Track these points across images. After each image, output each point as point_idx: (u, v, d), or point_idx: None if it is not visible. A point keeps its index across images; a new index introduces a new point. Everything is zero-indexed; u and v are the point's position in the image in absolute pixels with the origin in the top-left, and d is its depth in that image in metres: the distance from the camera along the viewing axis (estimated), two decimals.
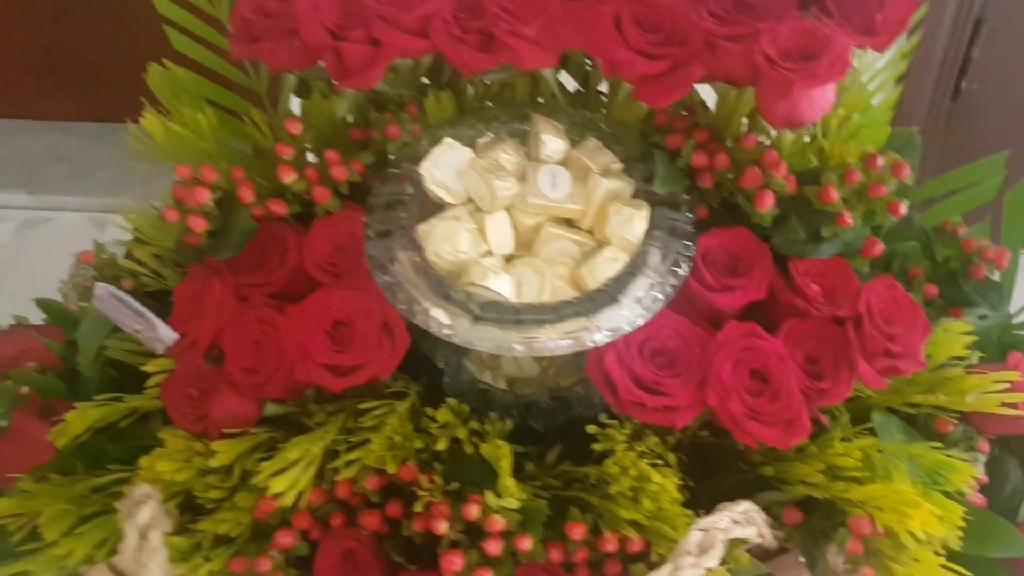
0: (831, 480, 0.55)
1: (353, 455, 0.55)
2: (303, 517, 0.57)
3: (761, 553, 0.56)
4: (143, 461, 0.58)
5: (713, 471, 0.58)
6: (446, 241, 0.54)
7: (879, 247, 0.58)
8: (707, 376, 0.54)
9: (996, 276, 0.66)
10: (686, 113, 0.60)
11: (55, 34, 1.52)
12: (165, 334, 0.63)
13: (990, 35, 1.37)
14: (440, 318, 0.52)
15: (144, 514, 0.50)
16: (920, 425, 0.63)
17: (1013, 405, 0.60)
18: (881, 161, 0.56)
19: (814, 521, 0.56)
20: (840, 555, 0.56)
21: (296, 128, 0.61)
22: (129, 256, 0.70)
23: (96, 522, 0.65)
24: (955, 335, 0.59)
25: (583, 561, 0.54)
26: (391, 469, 0.54)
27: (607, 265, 0.53)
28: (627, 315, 0.52)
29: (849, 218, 0.56)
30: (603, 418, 0.55)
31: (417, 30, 0.56)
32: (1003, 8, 1.36)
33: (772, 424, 0.53)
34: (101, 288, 0.62)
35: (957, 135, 1.48)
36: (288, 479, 0.54)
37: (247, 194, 0.61)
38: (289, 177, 0.60)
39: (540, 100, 0.64)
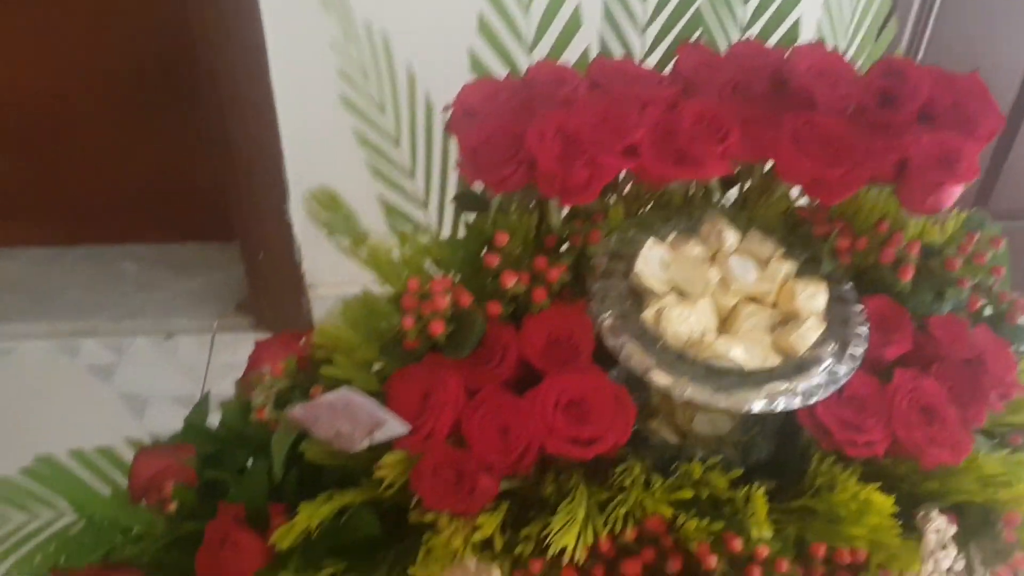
0: (982, 487, 0.70)
1: (621, 510, 0.65)
2: (569, 572, 0.65)
3: None
4: (443, 541, 0.64)
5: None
6: (681, 323, 0.65)
7: (980, 302, 0.75)
8: (892, 415, 0.67)
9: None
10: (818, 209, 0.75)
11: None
12: (397, 428, 0.69)
13: None
14: (690, 387, 0.63)
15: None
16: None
17: None
18: (978, 236, 0.73)
19: (966, 524, 0.71)
20: (985, 550, 0.71)
21: (504, 239, 0.71)
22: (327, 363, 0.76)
23: None
24: None
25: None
26: (667, 513, 0.64)
27: (811, 332, 0.66)
28: (840, 372, 0.65)
29: (968, 281, 0.72)
30: (820, 457, 0.67)
31: (626, 153, 0.68)
32: None
33: (944, 447, 0.67)
34: (344, 392, 0.68)
35: None
36: (573, 534, 0.63)
37: (467, 299, 0.70)
38: (511, 281, 0.69)
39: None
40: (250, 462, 0.88)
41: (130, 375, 1.41)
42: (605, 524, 0.65)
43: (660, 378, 0.64)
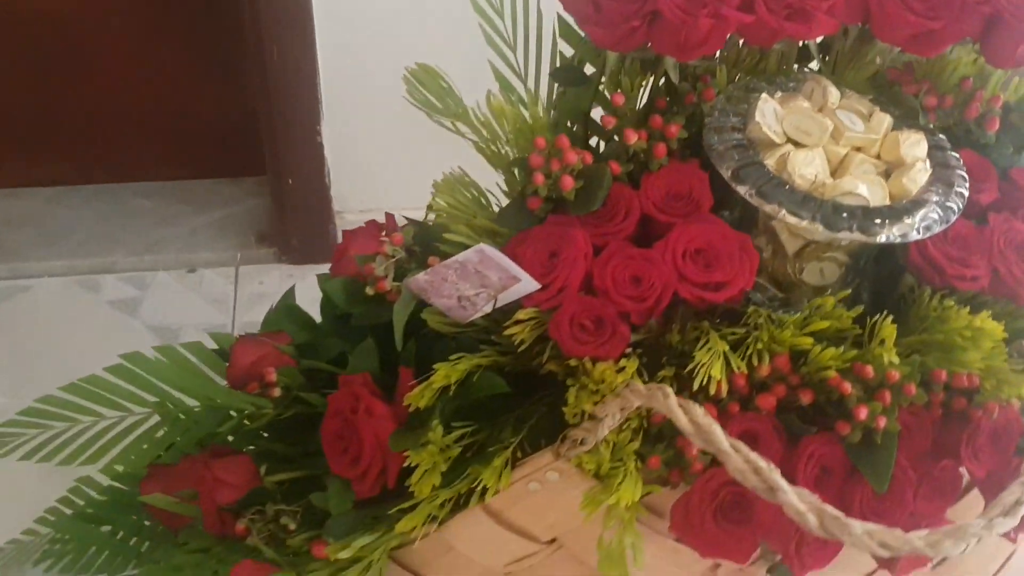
0: None
1: (758, 346, 0.68)
2: (710, 409, 0.68)
3: None
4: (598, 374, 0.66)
5: None
6: (807, 166, 0.69)
7: None
8: (992, 251, 0.72)
9: None
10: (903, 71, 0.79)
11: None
12: (528, 285, 0.71)
13: None
14: (821, 225, 0.67)
15: (672, 392, 0.60)
16: None
17: None
18: None
19: None
20: None
21: (621, 100, 0.74)
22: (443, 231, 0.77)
23: (456, 475, 0.73)
24: None
25: (939, 402, 0.70)
26: (807, 343, 0.67)
27: (921, 175, 0.71)
28: (953, 207, 0.70)
29: None
30: (931, 293, 0.72)
31: (743, 7, 0.71)
32: None
33: None
34: (481, 248, 0.70)
35: None
36: (717, 367, 0.66)
37: (589, 156, 0.72)
38: (634, 138, 0.72)
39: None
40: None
41: (156, 308, 1.40)
42: (743, 360, 0.68)
43: (792, 218, 0.68)
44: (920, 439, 0.70)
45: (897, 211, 0.68)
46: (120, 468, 0.86)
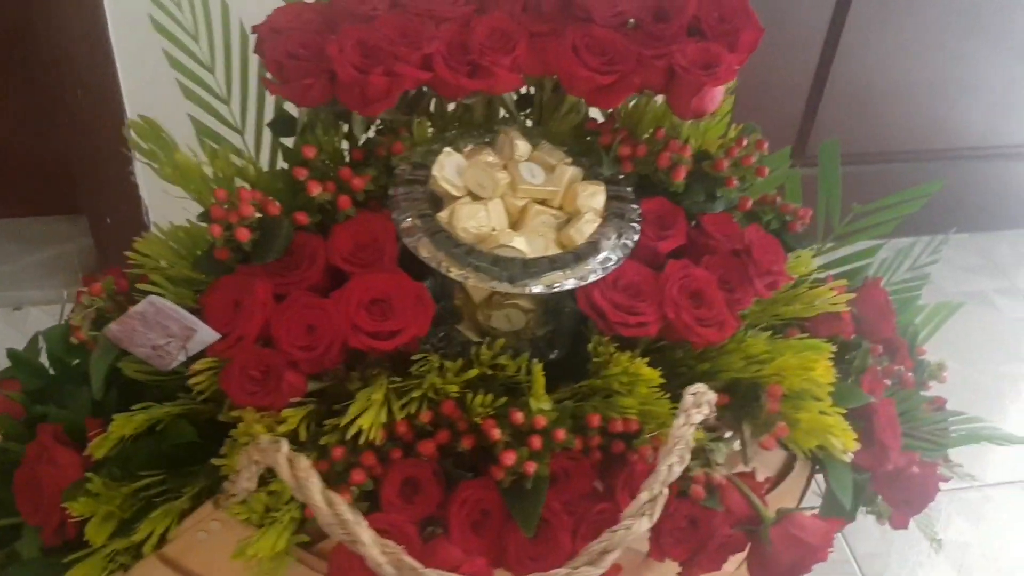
0: (747, 365, 0.77)
1: (415, 394, 0.70)
2: (369, 456, 0.70)
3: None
4: (244, 427, 0.67)
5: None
6: (471, 219, 0.71)
7: (749, 202, 0.83)
8: (663, 299, 0.74)
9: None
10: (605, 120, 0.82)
11: None
12: (208, 335, 0.73)
13: None
14: (475, 275, 0.69)
15: (285, 447, 0.61)
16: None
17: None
18: (745, 141, 0.81)
19: (736, 400, 0.78)
20: (753, 424, 0.78)
21: (312, 152, 0.76)
22: (142, 280, 0.79)
23: (138, 523, 0.73)
24: (803, 260, 0.84)
25: (596, 446, 0.72)
26: (454, 391, 0.69)
27: (588, 225, 0.73)
28: (612, 258, 0.72)
29: (735, 181, 0.79)
30: (597, 340, 0.74)
31: (422, 64, 0.73)
32: None
33: (710, 326, 0.75)
34: (151, 300, 0.71)
35: None
36: (370, 417, 0.67)
37: (275, 208, 0.74)
38: (317, 190, 0.74)
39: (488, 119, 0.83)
40: None
41: None
42: (403, 408, 0.70)
43: (450, 269, 0.69)
44: (580, 483, 0.71)
45: (554, 263, 0.70)
46: None
